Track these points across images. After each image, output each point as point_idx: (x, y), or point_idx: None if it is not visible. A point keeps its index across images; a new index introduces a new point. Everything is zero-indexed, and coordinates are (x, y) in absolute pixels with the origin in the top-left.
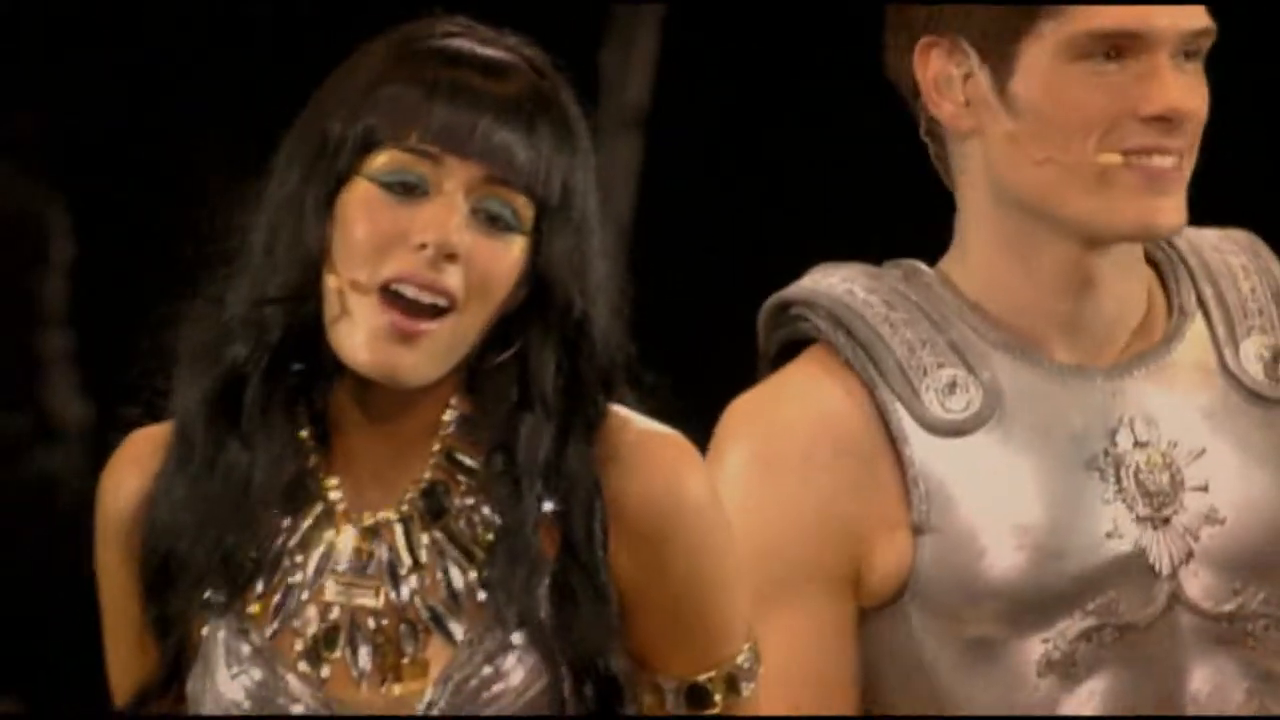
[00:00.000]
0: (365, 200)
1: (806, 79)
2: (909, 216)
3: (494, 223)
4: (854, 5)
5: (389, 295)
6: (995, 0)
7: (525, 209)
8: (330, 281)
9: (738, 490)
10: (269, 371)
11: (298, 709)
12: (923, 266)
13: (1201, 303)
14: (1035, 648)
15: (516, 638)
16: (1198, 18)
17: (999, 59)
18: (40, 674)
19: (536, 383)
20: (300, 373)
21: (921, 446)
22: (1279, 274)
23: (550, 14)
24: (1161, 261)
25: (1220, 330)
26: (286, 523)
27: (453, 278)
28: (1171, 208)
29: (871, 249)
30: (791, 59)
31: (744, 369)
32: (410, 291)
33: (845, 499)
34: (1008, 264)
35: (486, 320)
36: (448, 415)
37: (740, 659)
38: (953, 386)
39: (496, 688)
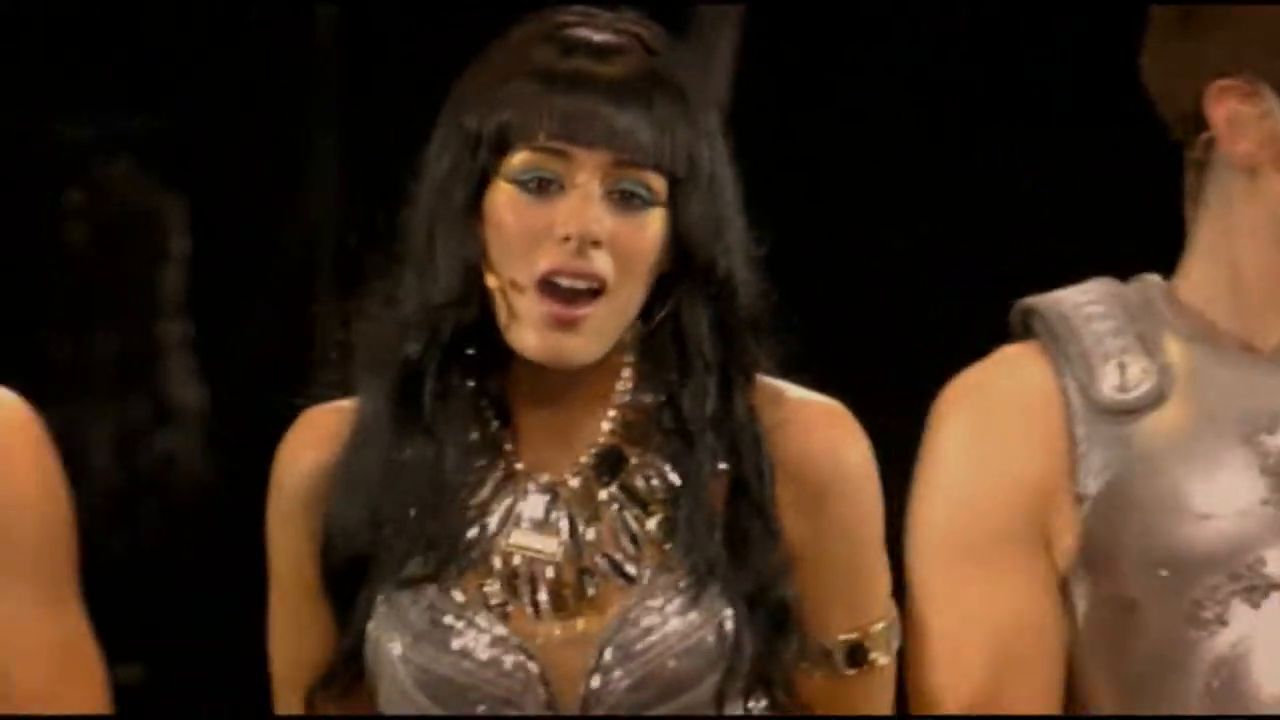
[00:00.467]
0: (508, 202)
1: (885, 78)
2: (976, 212)
3: (629, 201)
4: (934, 6)
5: (546, 287)
6: None
7: (657, 183)
8: (491, 281)
9: (952, 455)
10: (444, 365)
11: (482, 651)
12: (1157, 279)
13: None
14: (1186, 605)
15: (691, 580)
16: None
17: None
18: (162, 642)
19: (692, 340)
20: (475, 358)
21: (1089, 423)
22: None
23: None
24: None
25: None
26: (473, 487)
27: (600, 262)
28: None
29: (944, 246)
30: (870, 59)
31: (819, 357)
32: (564, 281)
33: (1038, 467)
34: (1243, 289)
35: (641, 291)
36: (620, 379)
37: (883, 625)
38: (1122, 371)
39: (669, 626)
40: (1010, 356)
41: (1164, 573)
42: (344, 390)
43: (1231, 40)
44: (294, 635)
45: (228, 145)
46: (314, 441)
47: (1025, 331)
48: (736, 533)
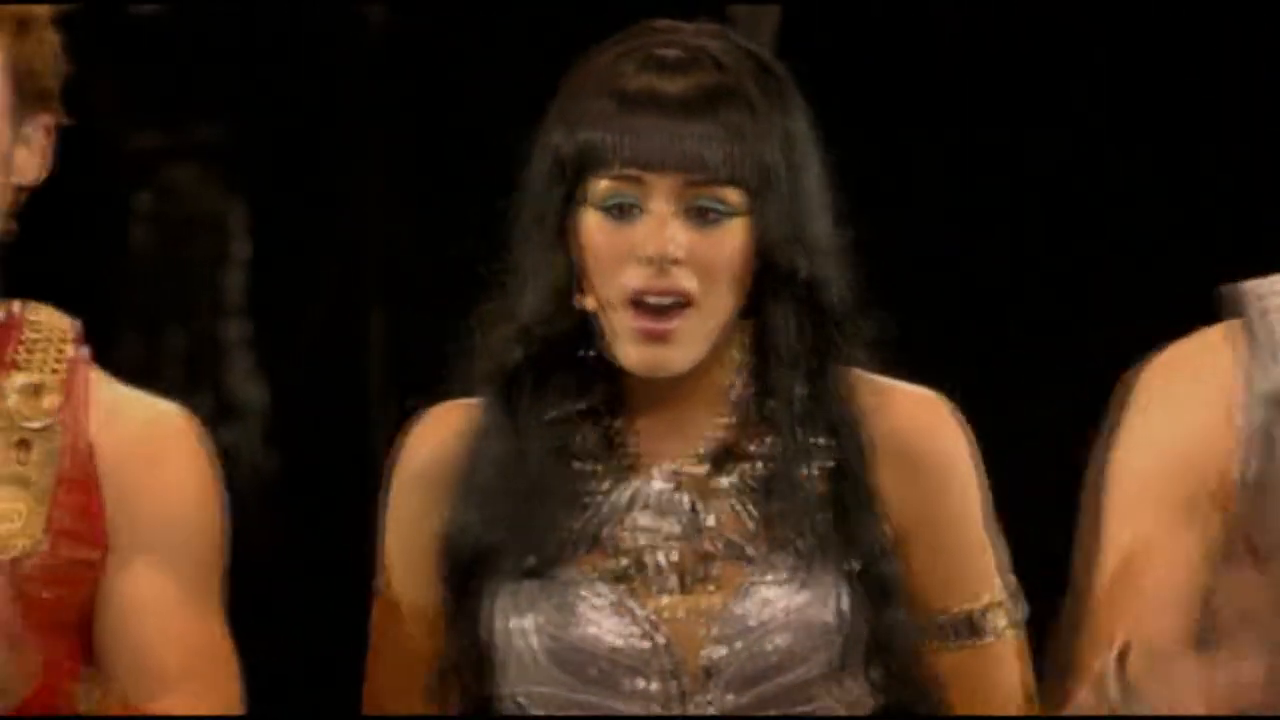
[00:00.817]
0: (594, 227)
1: (921, 78)
2: (1013, 211)
3: (706, 216)
4: (970, 4)
5: (636, 304)
6: None
7: (733, 196)
8: (589, 301)
9: (1140, 420)
10: (543, 375)
11: (611, 623)
12: None
13: None
14: None
15: (802, 560)
16: None
17: None
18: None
19: (777, 337)
20: (583, 362)
21: (1254, 405)
22: None
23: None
24: None
25: None
26: (596, 475)
27: (682, 279)
28: None
29: (981, 245)
30: (907, 59)
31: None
32: (651, 300)
33: (1215, 441)
34: None
35: (730, 297)
36: (733, 375)
37: (991, 599)
38: None
39: (783, 603)
40: (1210, 332)
41: None
42: (467, 392)
43: None
44: (404, 631)
45: (285, 155)
46: (437, 435)
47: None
48: (840, 512)
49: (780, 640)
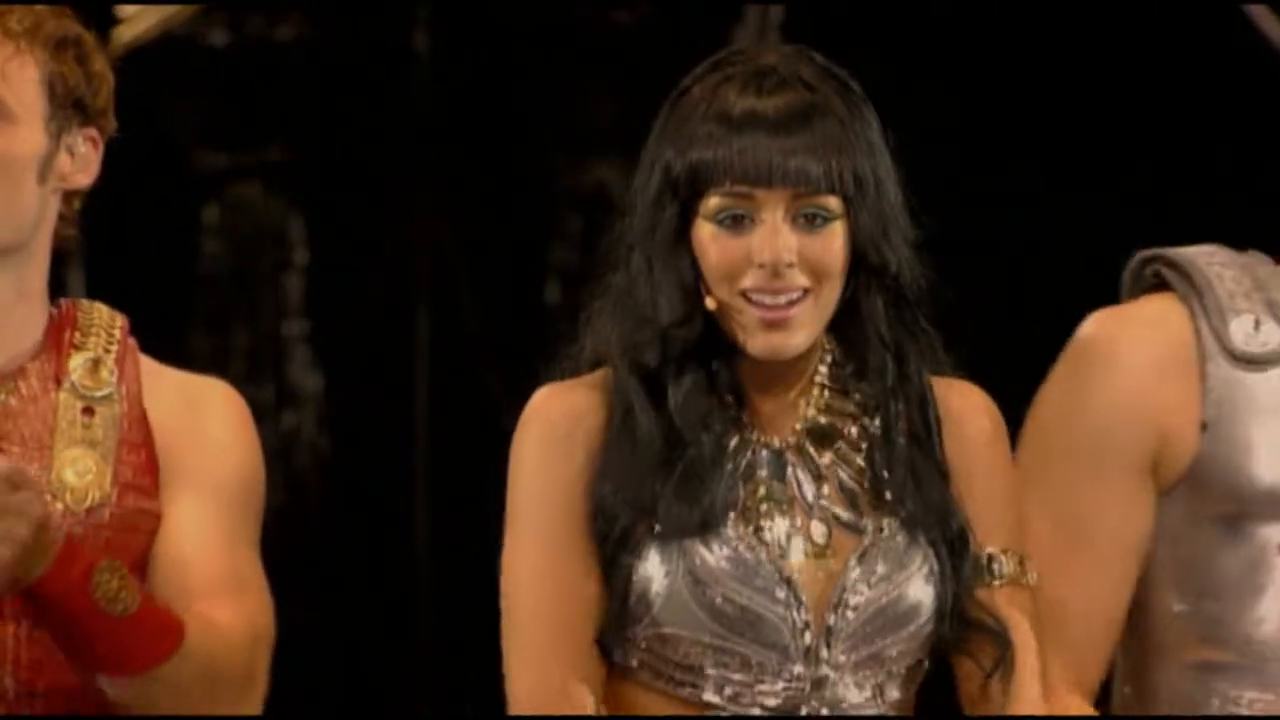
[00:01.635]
0: (711, 238)
1: (923, 74)
2: (1007, 210)
3: (813, 222)
4: (970, 7)
5: (749, 298)
6: None
7: (833, 203)
8: (710, 303)
9: (1076, 379)
10: (680, 370)
11: (755, 578)
12: (1266, 256)
13: None
14: (1276, 533)
15: (898, 522)
16: None
17: None
18: (280, 610)
19: (872, 325)
20: (707, 356)
21: (1221, 367)
22: None
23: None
24: None
25: None
26: (721, 455)
27: (795, 278)
28: None
29: (988, 238)
30: (909, 55)
31: None
32: (766, 299)
33: (1165, 401)
34: None
35: (838, 289)
36: (822, 362)
37: (1019, 554)
38: (1257, 327)
39: (892, 559)
40: (1160, 301)
41: (1265, 504)
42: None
43: None
44: (561, 579)
45: (340, 173)
46: (570, 401)
47: (1155, 282)
48: (918, 477)
49: (893, 601)
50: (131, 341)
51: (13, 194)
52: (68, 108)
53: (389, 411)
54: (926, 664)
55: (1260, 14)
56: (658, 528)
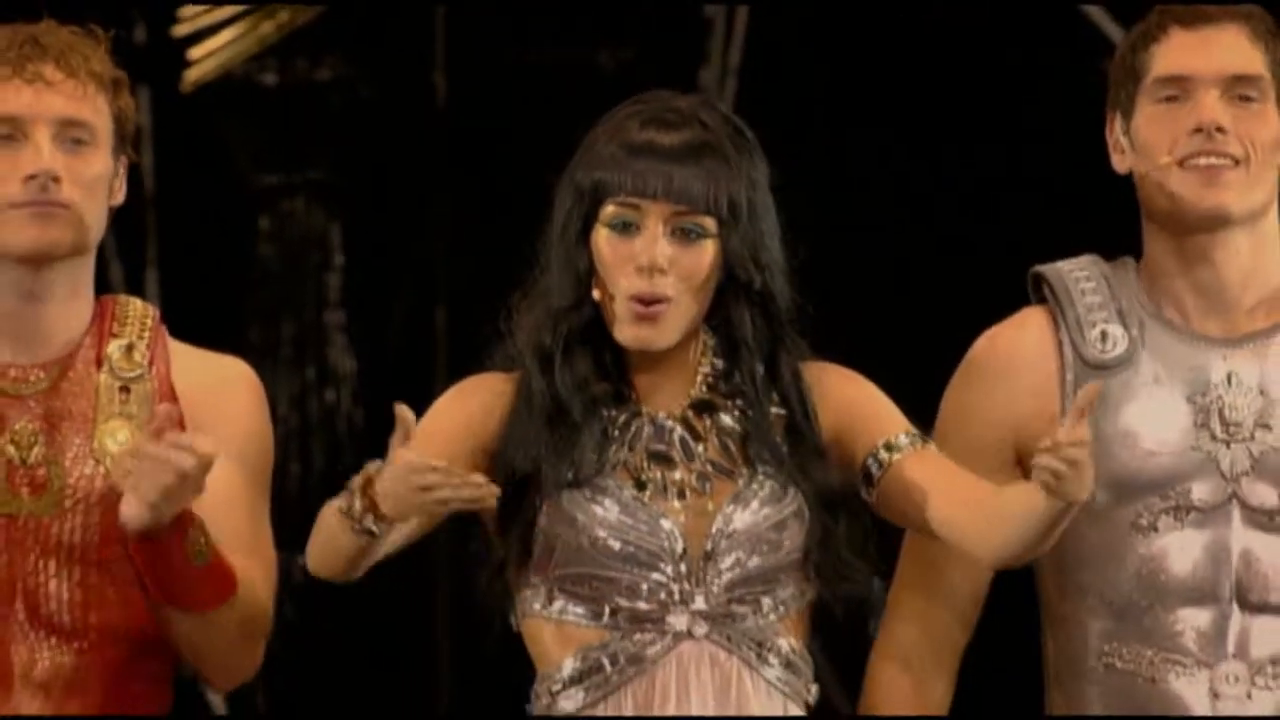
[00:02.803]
0: (605, 240)
1: (884, 80)
2: (956, 209)
3: (687, 236)
4: (938, 9)
5: (627, 296)
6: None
7: (707, 222)
8: (596, 293)
9: (962, 392)
10: (568, 349)
11: (640, 519)
12: (1133, 262)
13: None
14: (1131, 514)
15: (769, 477)
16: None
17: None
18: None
19: (737, 332)
20: (597, 340)
21: (1077, 374)
22: None
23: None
24: None
25: None
26: (614, 419)
27: (663, 285)
28: (1214, 195)
29: (933, 241)
30: (871, 60)
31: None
32: (646, 298)
33: (1021, 402)
34: (1154, 261)
35: (702, 297)
36: (702, 355)
37: (910, 430)
38: (1104, 338)
39: (762, 509)
40: (1027, 316)
41: (1118, 489)
42: (504, 366)
43: (1108, 79)
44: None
45: (370, 191)
46: (492, 387)
47: (1036, 292)
48: (795, 454)
49: (760, 532)
50: (163, 329)
51: (95, 208)
52: (122, 137)
53: (412, 391)
54: (810, 595)
55: (1097, 14)
56: (554, 481)
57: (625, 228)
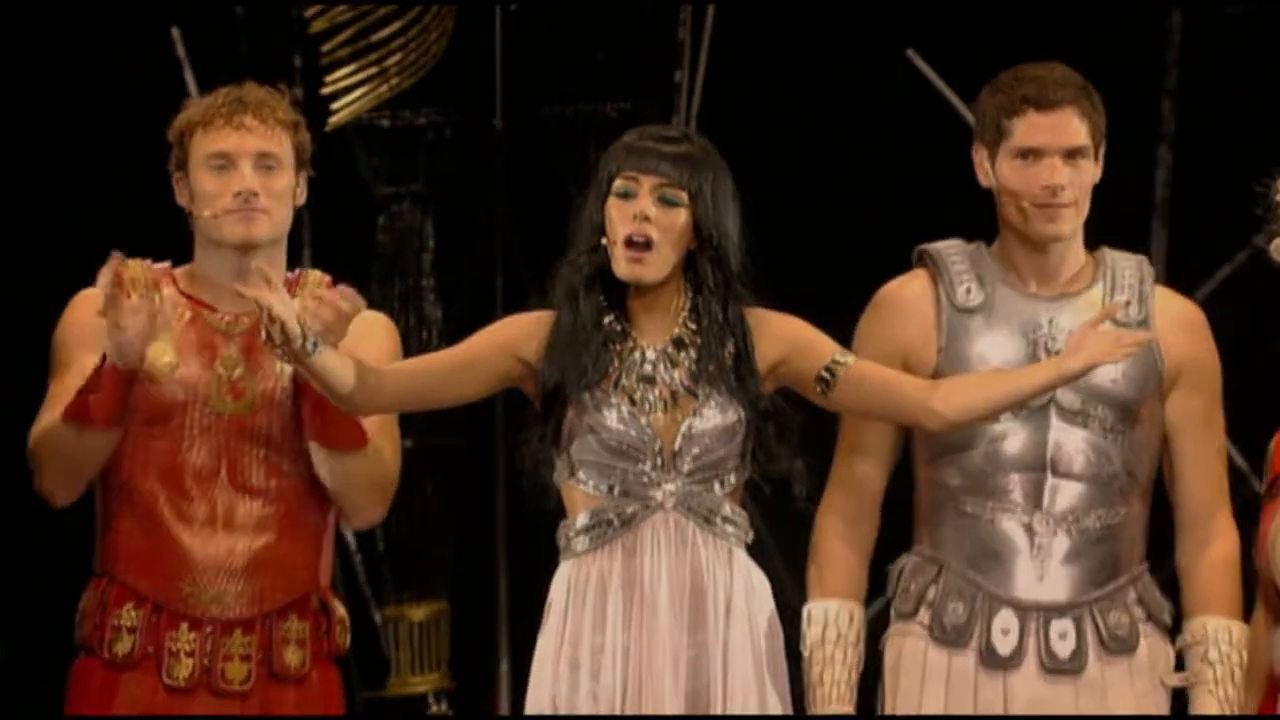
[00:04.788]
0: (612, 204)
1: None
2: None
3: (668, 203)
4: (902, 12)
5: (627, 243)
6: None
7: (682, 195)
8: (604, 240)
9: (867, 327)
10: (589, 287)
11: (629, 423)
12: (984, 244)
13: (1104, 280)
14: None
15: (722, 395)
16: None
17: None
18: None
19: (704, 280)
20: (608, 286)
21: (949, 315)
22: (1146, 284)
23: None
24: (1099, 259)
25: (1111, 292)
26: (616, 349)
27: (648, 229)
28: (1055, 227)
29: (871, 231)
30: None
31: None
32: (636, 238)
33: (910, 332)
34: (1005, 245)
35: (680, 250)
36: (682, 301)
37: (838, 355)
38: (969, 292)
39: (716, 414)
40: (915, 275)
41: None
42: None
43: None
44: (457, 371)
45: (452, 199)
46: (530, 319)
47: (920, 262)
48: (739, 375)
49: (714, 437)
50: (332, 288)
51: (282, 210)
52: (301, 161)
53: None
54: (747, 471)
55: (915, 57)
56: (575, 388)
57: (626, 195)
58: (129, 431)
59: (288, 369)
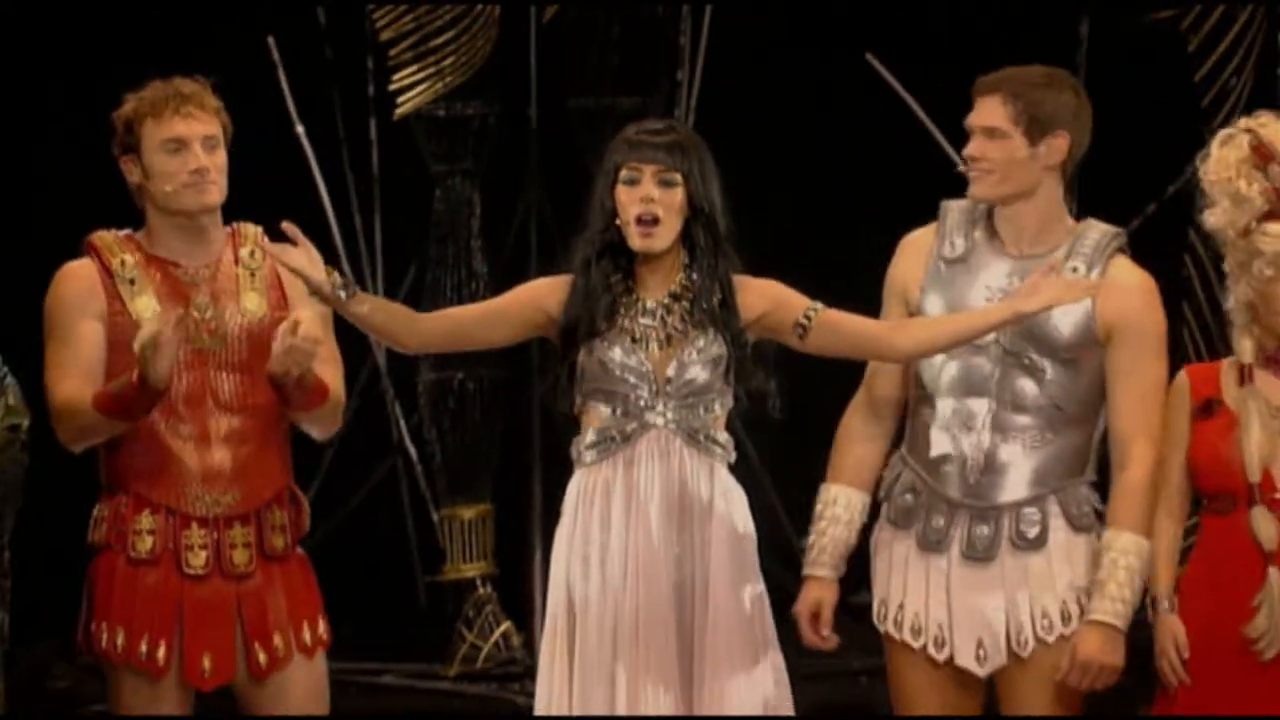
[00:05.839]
0: (621, 190)
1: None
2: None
3: (667, 184)
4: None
5: (638, 220)
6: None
7: (677, 177)
8: (619, 222)
9: (894, 261)
10: (602, 255)
11: (631, 358)
12: (982, 207)
13: (1067, 246)
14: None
15: (709, 334)
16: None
17: None
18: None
19: (697, 242)
20: (619, 253)
21: (936, 262)
22: (1095, 250)
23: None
24: (1077, 230)
25: (1069, 257)
26: (625, 301)
27: (656, 208)
28: (974, 188)
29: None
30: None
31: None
32: (646, 217)
33: (908, 272)
34: (995, 210)
35: (679, 221)
36: (679, 263)
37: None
38: (954, 245)
39: (704, 349)
40: (929, 227)
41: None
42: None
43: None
44: (493, 317)
45: (497, 177)
46: (553, 282)
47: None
48: (724, 318)
49: (701, 367)
50: (265, 238)
51: (224, 179)
52: (227, 139)
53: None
54: (729, 404)
55: (876, 62)
56: (588, 330)
57: (632, 181)
58: (129, 368)
59: (250, 307)
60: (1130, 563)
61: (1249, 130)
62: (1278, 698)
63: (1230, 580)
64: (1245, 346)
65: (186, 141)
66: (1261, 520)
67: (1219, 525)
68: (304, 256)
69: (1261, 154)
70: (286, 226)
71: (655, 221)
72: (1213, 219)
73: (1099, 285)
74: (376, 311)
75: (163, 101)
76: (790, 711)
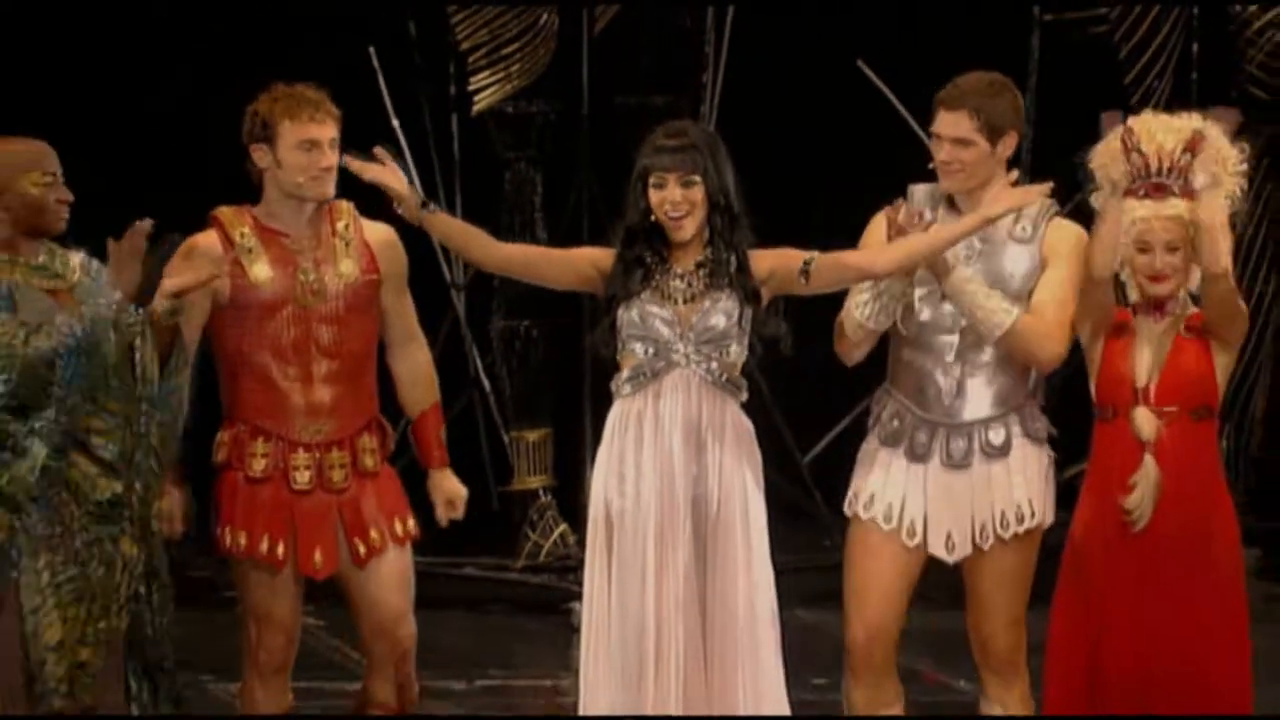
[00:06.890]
0: (652, 192)
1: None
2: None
3: (688, 185)
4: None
5: (666, 215)
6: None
7: (697, 178)
8: (654, 216)
9: (873, 223)
10: (638, 239)
11: (664, 312)
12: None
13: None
14: (925, 314)
15: (726, 292)
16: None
17: None
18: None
19: (716, 231)
20: (656, 238)
21: (930, 213)
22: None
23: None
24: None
25: (1016, 222)
26: (659, 270)
27: (683, 206)
28: (946, 183)
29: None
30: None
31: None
32: (674, 214)
33: (881, 234)
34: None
35: (703, 213)
36: (703, 244)
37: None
38: (922, 216)
39: (724, 304)
40: (895, 206)
41: (930, 284)
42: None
43: None
44: (557, 261)
45: (554, 160)
46: (607, 252)
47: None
48: (739, 281)
49: (720, 317)
50: (356, 213)
51: (336, 172)
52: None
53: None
54: (744, 354)
55: (865, 67)
56: (630, 291)
57: (660, 185)
58: (247, 321)
59: (344, 271)
60: (989, 305)
61: (1127, 126)
62: (1146, 563)
63: (1117, 470)
64: (1133, 294)
65: (319, 142)
66: (1143, 419)
67: (1107, 430)
68: (389, 174)
69: (1125, 146)
70: (378, 150)
71: (682, 216)
72: (1096, 198)
73: (1047, 189)
74: (454, 226)
75: (299, 106)
76: (771, 588)
